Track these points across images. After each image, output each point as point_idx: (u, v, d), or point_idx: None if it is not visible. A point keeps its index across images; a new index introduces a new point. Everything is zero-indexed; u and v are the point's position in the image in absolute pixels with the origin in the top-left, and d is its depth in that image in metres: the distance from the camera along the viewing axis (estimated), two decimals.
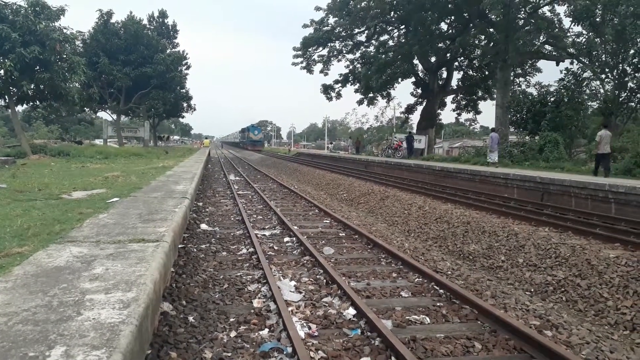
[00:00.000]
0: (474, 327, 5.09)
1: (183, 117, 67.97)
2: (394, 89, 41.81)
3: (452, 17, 34.26)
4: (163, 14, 53.14)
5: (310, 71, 41.40)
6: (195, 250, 8.02)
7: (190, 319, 4.92)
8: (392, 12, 35.91)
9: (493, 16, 29.59)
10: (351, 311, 5.39)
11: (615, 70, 24.48)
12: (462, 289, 6.10)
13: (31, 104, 28.42)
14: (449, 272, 7.40)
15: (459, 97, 41.50)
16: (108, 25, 42.52)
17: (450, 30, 36.12)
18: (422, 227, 10.96)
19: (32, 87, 24.30)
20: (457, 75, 39.76)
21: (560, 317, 5.61)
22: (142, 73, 43.11)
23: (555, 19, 29.15)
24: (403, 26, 37.35)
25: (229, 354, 4.25)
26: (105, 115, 54.73)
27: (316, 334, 4.81)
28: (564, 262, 7.23)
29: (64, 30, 25.29)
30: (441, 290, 6.22)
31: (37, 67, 24.09)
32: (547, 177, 13.94)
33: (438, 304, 5.76)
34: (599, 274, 6.55)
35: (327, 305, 5.68)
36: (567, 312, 5.96)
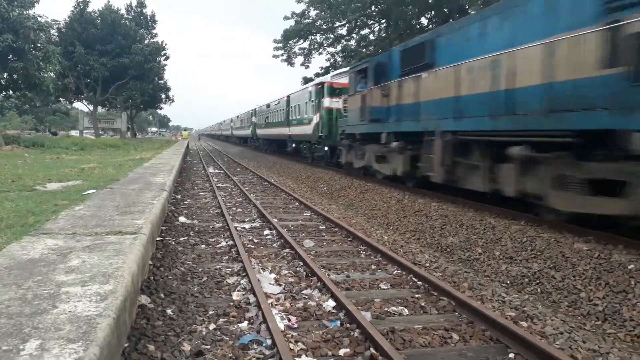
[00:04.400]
0: (452, 319, 5.16)
1: (161, 108, 67.20)
2: None
3: (433, 12, 34.47)
4: (141, 4, 52.18)
5: (291, 64, 41.29)
6: (173, 242, 7.94)
7: (169, 311, 4.88)
8: (373, 6, 35.95)
9: (472, 11, 29.88)
10: (331, 303, 5.41)
11: None
12: (440, 281, 6.17)
13: (4, 93, 27.79)
14: (427, 264, 7.48)
15: None
16: (84, 14, 41.70)
17: (431, 25, 36.32)
18: (401, 220, 11.05)
19: (5, 76, 23.77)
20: None
21: (535, 309, 5.72)
22: (119, 63, 42.43)
23: None
24: (384, 20, 37.44)
25: (208, 347, 4.23)
26: (81, 106, 53.76)
27: (296, 325, 4.82)
28: (539, 255, 7.37)
29: (39, 19, 24.73)
30: (419, 282, 6.29)
31: (10, 56, 23.52)
32: None
33: (416, 296, 5.82)
34: (572, 266, 6.70)
35: (306, 297, 5.69)
36: (541, 303, 6.09)
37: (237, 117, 53.38)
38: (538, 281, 6.65)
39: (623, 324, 5.20)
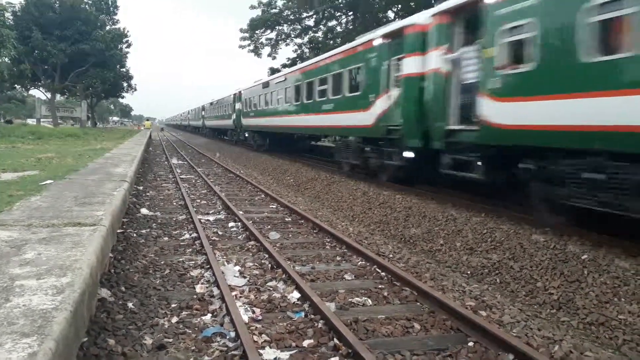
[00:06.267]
0: (414, 308, 5.26)
1: (123, 97, 65.56)
2: None
3: (399, 6, 34.73)
4: None
5: (258, 54, 40.93)
6: (135, 235, 7.78)
7: (130, 305, 4.79)
8: None
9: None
10: (295, 294, 5.42)
11: None
12: (403, 272, 6.27)
13: None
14: (391, 255, 7.59)
15: None
16: None
17: (397, 19, 36.69)
18: (366, 212, 11.15)
19: None
20: None
21: (494, 298, 5.89)
22: (79, 50, 41.01)
23: None
24: (351, 12, 37.51)
25: (170, 340, 4.18)
26: (38, 93, 51.76)
27: (260, 317, 4.81)
28: (498, 246, 7.58)
29: None
30: (383, 273, 6.37)
31: None
32: None
33: (380, 286, 5.90)
34: (530, 256, 6.92)
35: (271, 289, 5.68)
36: (500, 293, 6.27)
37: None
38: (497, 271, 6.84)
39: (576, 312, 5.42)
